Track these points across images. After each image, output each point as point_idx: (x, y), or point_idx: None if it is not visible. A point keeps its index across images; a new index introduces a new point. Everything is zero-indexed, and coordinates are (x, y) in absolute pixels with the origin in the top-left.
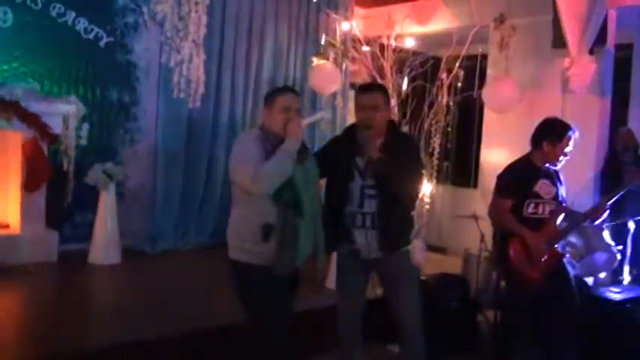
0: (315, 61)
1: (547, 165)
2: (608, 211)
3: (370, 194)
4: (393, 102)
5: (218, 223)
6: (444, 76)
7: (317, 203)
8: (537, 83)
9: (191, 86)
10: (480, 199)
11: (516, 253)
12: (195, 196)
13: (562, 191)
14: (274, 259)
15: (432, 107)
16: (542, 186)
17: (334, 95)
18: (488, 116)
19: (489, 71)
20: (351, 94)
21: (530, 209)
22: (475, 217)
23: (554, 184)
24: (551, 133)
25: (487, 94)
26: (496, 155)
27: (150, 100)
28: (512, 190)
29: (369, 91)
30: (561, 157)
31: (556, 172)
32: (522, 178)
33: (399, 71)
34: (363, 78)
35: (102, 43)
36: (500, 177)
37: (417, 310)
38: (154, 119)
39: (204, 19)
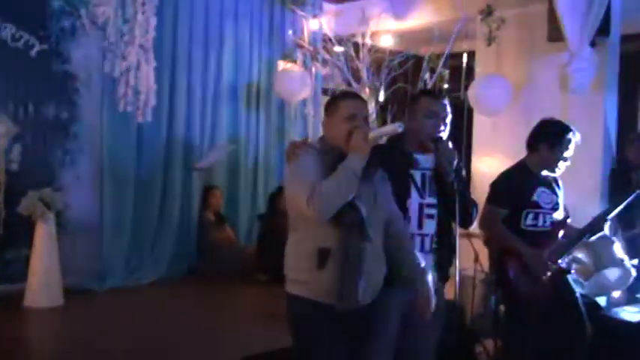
0: (282, 64)
1: (544, 171)
2: (608, 223)
3: (429, 214)
4: (371, 108)
5: (176, 254)
6: (426, 76)
7: (397, 227)
8: (532, 82)
9: (140, 98)
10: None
11: (516, 273)
12: (149, 224)
13: (561, 200)
14: (334, 291)
15: None
16: (541, 194)
17: (304, 103)
18: (479, 120)
19: (477, 69)
20: (324, 100)
21: (529, 221)
22: (468, 235)
23: (554, 192)
24: (548, 135)
25: (475, 95)
26: (488, 164)
27: (92, 116)
28: (508, 198)
29: (438, 99)
30: (560, 163)
31: (555, 179)
32: (519, 186)
33: (377, 73)
34: (336, 82)
35: (33, 52)
36: (493, 185)
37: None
38: (98, 137)
39: (152, 21)
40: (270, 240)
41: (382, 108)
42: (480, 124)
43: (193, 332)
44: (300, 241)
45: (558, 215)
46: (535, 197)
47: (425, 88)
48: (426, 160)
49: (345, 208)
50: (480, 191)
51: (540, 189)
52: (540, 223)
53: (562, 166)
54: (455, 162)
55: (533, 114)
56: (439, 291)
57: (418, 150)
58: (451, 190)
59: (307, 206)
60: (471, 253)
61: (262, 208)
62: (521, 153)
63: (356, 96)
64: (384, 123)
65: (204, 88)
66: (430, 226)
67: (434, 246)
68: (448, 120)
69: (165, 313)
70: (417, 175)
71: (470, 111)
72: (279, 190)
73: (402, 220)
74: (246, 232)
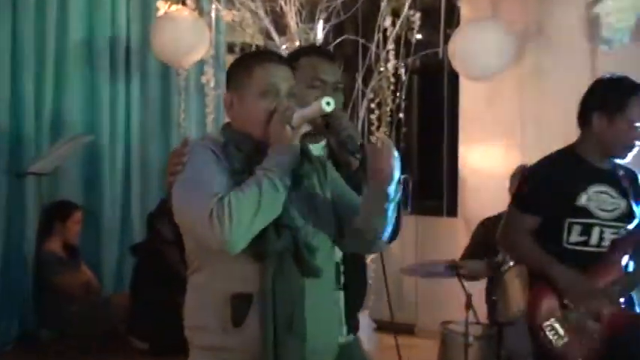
0: (162, 6)
1: (604, 158)
2: None
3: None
4: None
5: (27, 314)
6: (386, 22)
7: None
8: (545, 30)
9: None
10: (462, 234)
11: (547, 314)
12: None
13: (634, 206)
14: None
15: (368, 79)
16: (594, 196)
17: (200, 68)
18: (466, 90)
19: (464, 12)
20: (230, 60)
21: (575, 236)
22: (456, 267)
23: (621, 193)
24: (604, 100)
25: (460, 51)
26: (482, 156)
27: None
28: (541, 201)
29: (327, 59)
30: (630, 140)
31: (628, 171)
32: (558, 182)
33: (310, 19)
34: (248, 34)
35: None
36: (522, 180)
37: None
38: None
39: None
40: (152, 285)
41: None
42: (469, 95)
43: None
44: (204, 286)
45: (625, 226)
46: (583, 200)
47: (384, 41)
48: (315, 149)
49: (268, 231)
50: (473, 198)
51: (594, 187)
52: (594, 239)
53: (635, 145)
54: (357, 139)
55: (547, 78)
56: (352, 351)
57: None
58: (360, 184)
59: (208, 231)
60: (459, 295)
61: (139, 236)
62: (532, 137)
63: (276, 57)
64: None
65: (40, 48)
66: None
67: (341, 280)
68: (340, 91)
69: None
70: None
71: (453, 76)
72: (164, 206)
73: (353, 194)
74: (113, 273)
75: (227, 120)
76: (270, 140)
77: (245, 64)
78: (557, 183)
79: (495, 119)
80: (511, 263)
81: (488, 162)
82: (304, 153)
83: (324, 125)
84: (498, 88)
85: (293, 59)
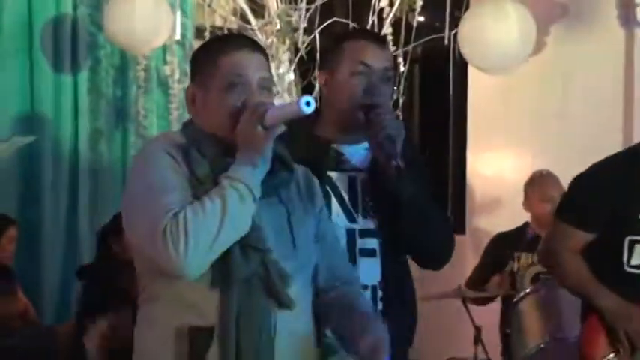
0: None
1: None
2: None
3: (367, 248)
4: (285, 59)
5: None
6: (382, 2)
7: (339, 272)
8: (571, 12)
9: None
10: (471, 255)
11: (604, 352)
12: None
13: None
14: None
15: None
16: None
17: (163, 55)
18: (477, 84)
19: None
20: (196, 44)
21: (638, 257)
22: (463, 299)
23: None
24: None
25: (470, 36)
26: (495, 164)
27: None
28: (596, 213)
29: (377, 43)
30: None
31: None
32: (618, 190)
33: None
34: (222, 16)
35: None
36: (572, 187)
37: None
38: None
39: None
40: (103, 314)
41: (303, 59)
42: (480, 90)
43: None
44: (157, 317)
45: None
46: None
47: (380, 23)
48: (354, 153)
49: (233, 253)
50: (481, 210)
51: None
52: None
53: None
54: (400, 142)
55: (573, 69)
56: None
57: (340, 135)
58: (399, 198)
59: (160, 253)
60: (467, 328)
61: (88, 257)
62: (555, 141)
63: (247, 43)
64: (308, 85)
65: None
66: (371, 271)
67: (379, 306)
68: (391, 82)
69: None
70: (340, 179)
71: (461, 66)
72: (116, 223)
73: (345, 256)
74: (55, 301)
75: (189, 117)
76: (239, 143)
77: (210, 51)
78: (615, 192)
79: (511, 119)
80: (527, 290)
81: (501, 170)
82: (280, 158)
83: (364, 121)
84: (515, 82)
85: (337, 43)
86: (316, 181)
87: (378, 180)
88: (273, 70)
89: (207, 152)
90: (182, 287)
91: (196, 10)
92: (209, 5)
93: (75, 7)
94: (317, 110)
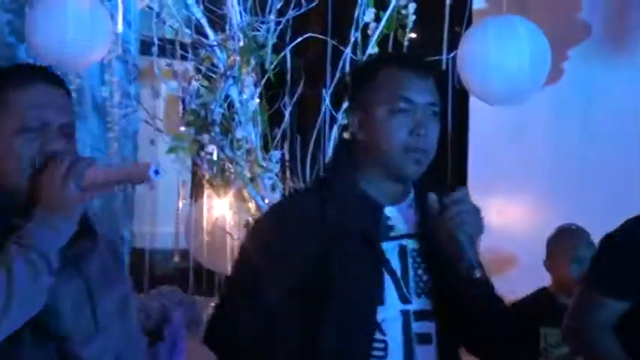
0: None
1: None
2: None
3: (423, 333)
4: (249, 82)
5: None
6: (367, 17)
7: None
8: (593, 32)
9: None
10: None
11: None
12: None
13: None
14: None
15: (340, 96)
16: None
17: (102, 73)
18: (479, 116)
19: (477, 4)
20: (145, 65)
21: None
22: None
23: None
24: None
25: (472, 58)
26: (506, 214)
27: None
28: (632, 279)
29: (419, 71)
30: None
31: None
32: None
33: (260, 9)
34: (177, 28)
35: None
36: (602, 250)
37: None
38: None
39: None
40: None
41: (272, 83)
42: (483, 123)
43: None
44: None
45: None
46: None
47: (362, 42)
48: (401, 216)
49: (23, 338)
50: (488, 272)
51: None
52: None
53: None
54: (479, 243)
55: (596, 98)
56: None
57: (383, 193)
58: (468, 284)
59: None
60: None
61: None
62: (576, 185)
63: (43, 75)
64: (276, 122)
65: None
66: None
67: None
68: (437, 117)
69: None
70: (389, 250)
71: (461, 94)
72: None
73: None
74: None
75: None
76: (40, 199)
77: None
78: None
79: (521, 160)
80: None
81: (508, 222)
82: (84, 222)
83: (437, 209)
84: (525, 114)
85: (370, 73)
86: (123, 254)
87: (433, 255)
88: (235, 96)
89: None
90: None
91: (142, 19)
92: (158, 14)
93: None
94: (354, 160)
